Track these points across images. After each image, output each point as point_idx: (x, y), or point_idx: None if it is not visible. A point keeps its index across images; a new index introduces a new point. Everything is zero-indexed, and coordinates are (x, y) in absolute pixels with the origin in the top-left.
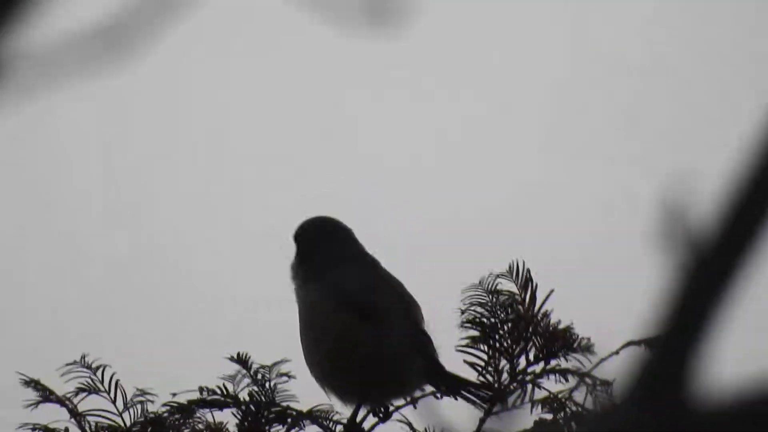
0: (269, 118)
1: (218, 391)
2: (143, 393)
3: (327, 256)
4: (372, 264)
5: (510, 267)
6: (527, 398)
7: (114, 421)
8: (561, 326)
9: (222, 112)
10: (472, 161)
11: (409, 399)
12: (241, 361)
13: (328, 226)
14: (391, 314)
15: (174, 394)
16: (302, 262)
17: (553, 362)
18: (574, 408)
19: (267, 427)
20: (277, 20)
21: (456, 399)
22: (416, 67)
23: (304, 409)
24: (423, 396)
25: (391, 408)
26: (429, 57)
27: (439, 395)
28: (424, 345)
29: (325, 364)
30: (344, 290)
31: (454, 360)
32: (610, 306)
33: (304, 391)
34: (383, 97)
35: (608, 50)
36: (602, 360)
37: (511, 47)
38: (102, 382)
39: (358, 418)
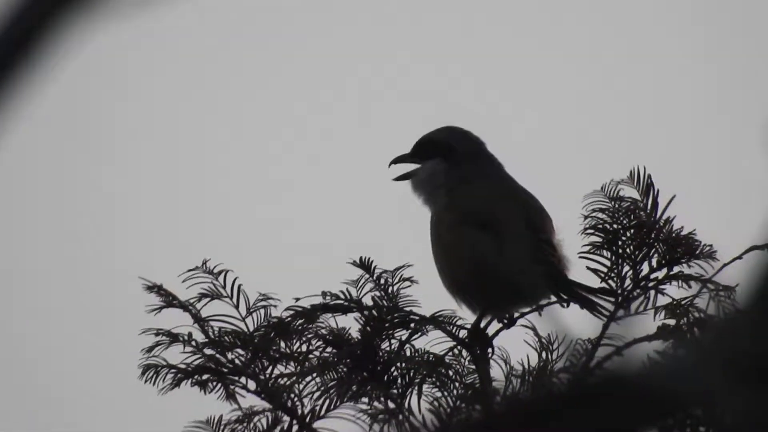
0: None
1: (341, 296)
2: (266, 298)
3: (460, 168)
4: (500, 178)
5: (631, 173)
6: (650, 304)
7: (237, 326)
8: (684, 232)
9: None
10: (594, 79)
11: (534, 306)
12: (364, 266)
13: (464, 137)
14: (513, 227)
15: (297, 299)
16: (441, 170)
17: (675, 268)
18: (697, 314)
19: (390, 332)
20: None
21: (581, 307)
22: None
23: (427, 314)
24: (548, 304)
25: (516, 315)
26: None
27: (565, 304)
28: (547, 255)
29: (451, 274)
30: (468, 204)
31: (578, 266)
32: (733, 212)
33: (428, 296)
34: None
35: None
36: (725, 265)
37: None
38: (224, 288)
39: (483, 324)
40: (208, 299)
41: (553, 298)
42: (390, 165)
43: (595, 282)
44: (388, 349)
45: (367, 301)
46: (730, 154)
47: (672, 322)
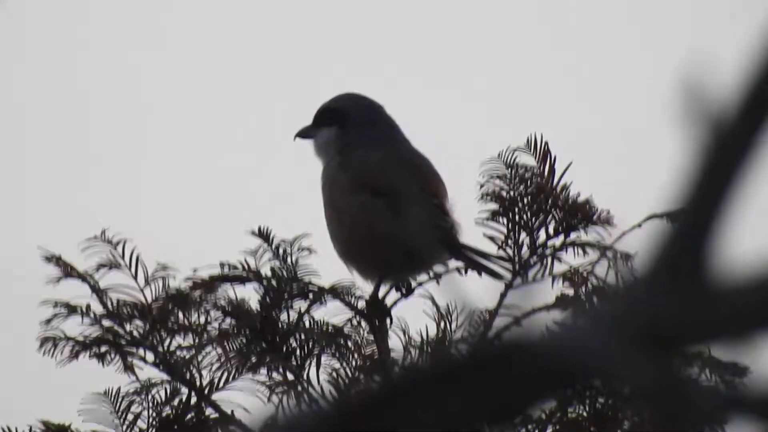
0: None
1: (240, 267)
2: (164, 268)
3: (353, 134)
4: (396, 142)
5: (528, 140)
6: (548, 272)
7: (135, 297)
8: (580, 199)
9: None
10: (494, 38)
11: (432, 275)
12: (263, 235)
13: (359, 103)
14: (406, 191)
15: (195, 270)
16: (333, 138)
17: (573, 235)
18: (595, 282)
19: (289, 303)
20: None
21: (479, 274)
22: None
23: (326, 284)
24: (446, 272)
25: (414, 284)
26: None
27: (462, 272)
28: (442, 221)
29: (343, 239)
30: (361, 169)
31: (474, 234)
32: (632, 179)
33: (326, 266)
34: None
35: None
36: (624, 233)
37: None
38: (123, 258)
39: (381, 294)
40: (107, 269)
41: (451, 266)
42: (294, 138)
43: (492, 249)
44: (287, 320)
45: (266, 271)
46: (629, 120)
47: (571, 291)
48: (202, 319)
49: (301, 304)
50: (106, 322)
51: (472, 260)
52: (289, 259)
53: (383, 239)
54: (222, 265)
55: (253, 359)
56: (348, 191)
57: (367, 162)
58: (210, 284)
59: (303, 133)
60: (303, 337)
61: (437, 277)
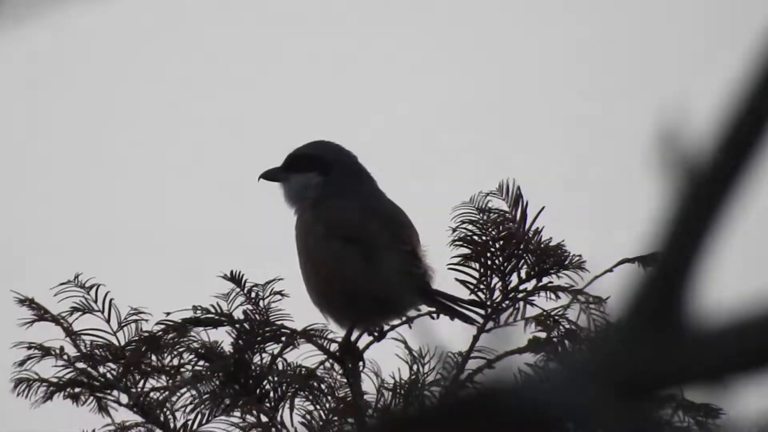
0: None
1: (212, 310)
2: (137, 312)
3: (334, 184)
4: (370, 192)
5: (500, 185)
6: (520, 316)
7: (108, 340)
8: (553, 243)
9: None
10: (467, 77)
11: (404, 319)
12: (235, 279)
13: (339, 152)
14: (380, 240)
15: (168, 313)
16: (314, 185)
17: (545, 280)
18: (567, 326)
19: (261, 346)
20: None
21: (451, 318)
22: None
23: (299, 327)
24: (418, 316)
25: (386, 327)
26: None
27: (434, 315)
28: (414, 268)
29: (318, 288)
30: (335, 219)
31: (447, 279)
32: (604, 224)
33: (299, 309)
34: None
35: None
36: (596, 277)
37: None
38: (96, 302)
39: (353, 338)
40: (80, 313)
41: (423, 310)
42: (259, 179)
43: (464, 294)
44: (260, 362)
45: (239, 314)
46: (602, 166)
47: (543, 334)
48: (176, 362)
49: (274, 348)
50: (80, 365)
51: (445, 305)
52: (261, 303)
53: (359, 288)
54: (195, 308)
55: (227, 401)
56: (323, 241)
57: (342, 212)
58: (182, 327)
59: (270, 176)
60: (276, 379)
61: (410, 321)
